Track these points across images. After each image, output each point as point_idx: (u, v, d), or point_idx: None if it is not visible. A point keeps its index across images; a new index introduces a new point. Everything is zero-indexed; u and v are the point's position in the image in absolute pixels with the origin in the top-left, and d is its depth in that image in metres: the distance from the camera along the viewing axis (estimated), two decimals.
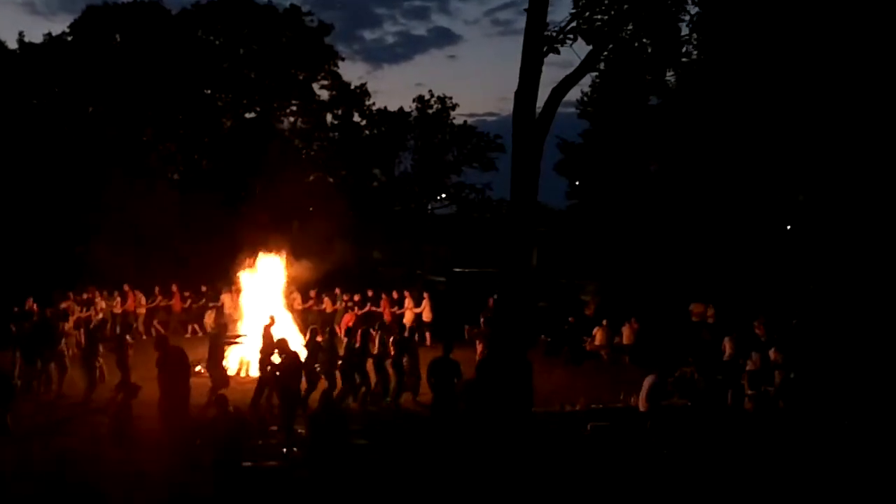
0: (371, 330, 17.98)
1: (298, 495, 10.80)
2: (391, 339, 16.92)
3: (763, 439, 14.05)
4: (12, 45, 36.13)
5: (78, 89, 35.15)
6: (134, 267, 26.72)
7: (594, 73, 15.27)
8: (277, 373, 14.30)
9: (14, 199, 30.81)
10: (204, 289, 25.77)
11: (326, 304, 25.40)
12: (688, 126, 30.07)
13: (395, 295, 25.74)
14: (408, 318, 24.55)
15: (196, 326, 25.17)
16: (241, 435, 11.30)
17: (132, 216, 29.76)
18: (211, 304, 24.98)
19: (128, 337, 17.91)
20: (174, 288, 25.49)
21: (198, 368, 16.78)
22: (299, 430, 12.85)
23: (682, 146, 30.40)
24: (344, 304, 25.38)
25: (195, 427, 12.17)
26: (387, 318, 24.43)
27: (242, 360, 19.54)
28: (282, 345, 14.48)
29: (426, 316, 24.74)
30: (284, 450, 12.49)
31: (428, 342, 23.77)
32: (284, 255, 22.57)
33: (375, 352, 16.92)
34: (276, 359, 14.80)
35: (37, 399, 15.96)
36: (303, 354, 15.43)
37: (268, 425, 13.85)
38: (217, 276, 26.30)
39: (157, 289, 25.32)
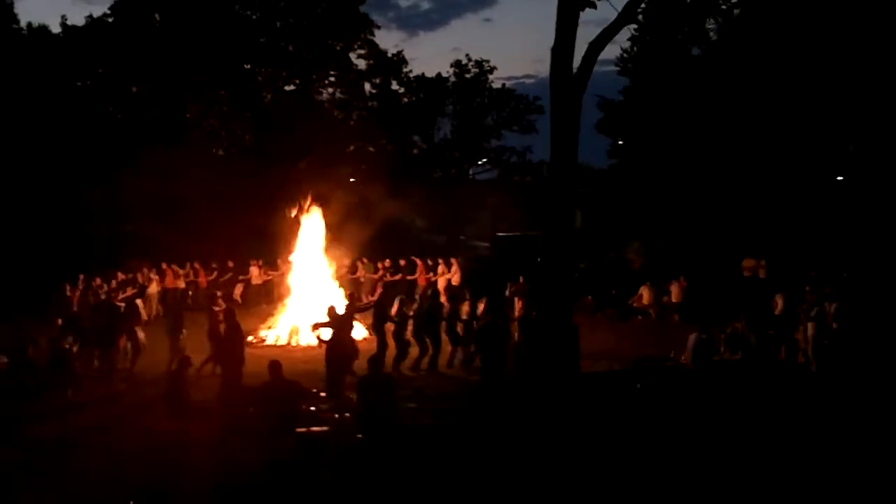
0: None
1: (350, 460, 10.89)
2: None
3: (817, 395, 13.88)
4: (55, 28, 36.71)
5: (120, 70, 35.54)
6: (180, 243, 27.16)
7: (633, 28, 14.98)
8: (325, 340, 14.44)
9: (60, 180, 31.32)
10: (231, 263, 26.20)
11: (360, 272, 25.70)
12: (732, 77, 29.49)
13: (429, 262, 25.96)
14: (441, 284, 24.75)
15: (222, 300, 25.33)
16: (294, 401, 11.43)
17: (177, 193, 30.21)
18: (240, 278, 25.60)
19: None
20: (197, 264, 25.97)
21: (250, 339, 17.03)
22: (349, 395, 12.97)
23: (727, 98, 29.82)
24: (379, 270, 25.76)
25: (248, 395, 12.30)
26: (421, 284, 24.97)
27: (293, 328, 19.77)
28: (330, 312, 14.58)
29: (455, 281, 24.88)
30: (336, 415, 12.61)
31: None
32: (327, 227, 22.67)
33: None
34: (327, 332, 14.91)
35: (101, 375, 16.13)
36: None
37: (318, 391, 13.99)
38: (260, 249, 26.69)
39: (187, 265, 25.76)
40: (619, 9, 14.32)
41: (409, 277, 25.78)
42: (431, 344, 16.47)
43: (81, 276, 21.53)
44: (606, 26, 14.44)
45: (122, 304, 18.16)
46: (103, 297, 18.50)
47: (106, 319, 16.58)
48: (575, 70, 14.31)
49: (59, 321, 16.79)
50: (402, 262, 26.16)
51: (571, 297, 15.83)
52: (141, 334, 16.73)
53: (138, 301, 17.71)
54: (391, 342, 16.27)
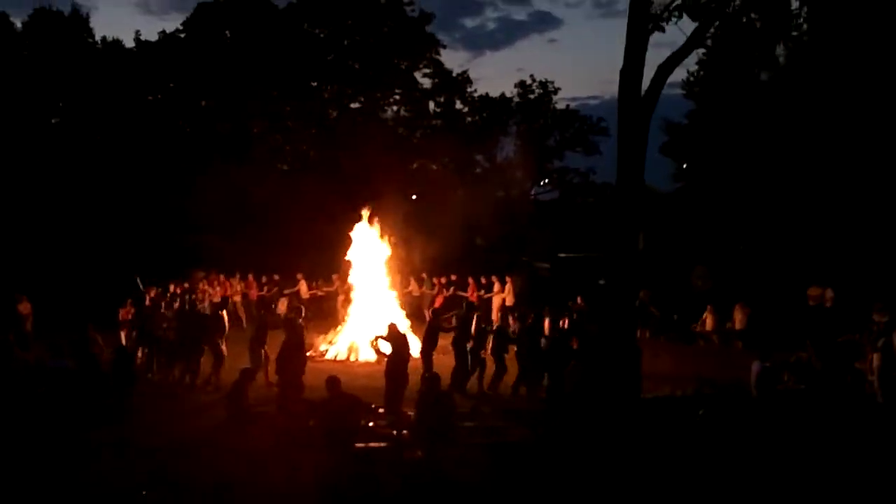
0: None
1: (409, 475, 10.94)
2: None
3: (882, 426, 13.53)
4: (129, 43, 37.71)
5: (191, 84, 36.36)
6: (245, 255, 27.57)
7: (701, 51, 14.91)
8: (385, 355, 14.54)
9: (129, 192, 32.08)
10: (276, 277, 26.40)
11: (413, 288, 25.94)
12: (800, 101, 29.01)
13: (482, 280, 25.99)
14: (496, 303, 24.73)
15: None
16: (353, 416, 11.54)
17: (242, 207, 30.72)
18: (286, 292, 25.72)
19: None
20: (250, 276, 26.18)
21: (309, 353, 17.20)
22: (408, 412, 13.02)
23: (795, 123, 29.32)
24: (434, 287, 25.93)
25: (309, 408, 12.44)
26: (473, 300, 24.91)
27: (352, 345, 19.93)
28: (390, 328, 14.67)
29: (509, 300, 24.80)
30: (394, 431, 12.68)
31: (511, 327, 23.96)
32: (389, 242, 22.80)
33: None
34: (385, 345, 15.03)
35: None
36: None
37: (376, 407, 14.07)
38: (324, 263, 26.93)
39: (237, 276, 26.03)
40: (688, 33, 14.25)
41: (459, 293, 25.84)
42: (497, 364, 16.44)
43: (152, 289, 21.95)
44: (676, 50, 14.39)
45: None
46: (187, 306, 18.71)
47: (192, 329, 16.77)
48: (643, 92, 14.26)
49: (132, 331, 17.18)
50: (454, 278, 26.20)
51: (635, 319, 15.68)
52: (223, 345, 16.88)
53: (223, 312, 17.76)
54: (471, 360, 16.28)
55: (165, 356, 16.95)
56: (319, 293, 26.25)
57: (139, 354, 17.19)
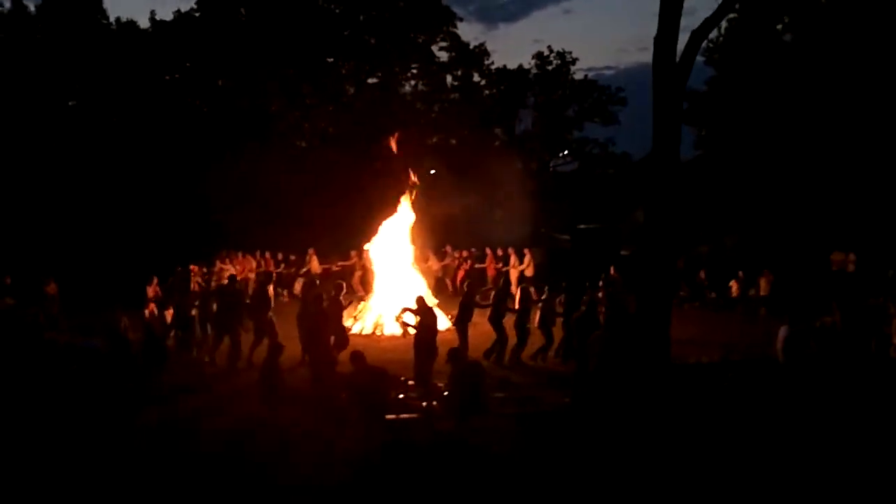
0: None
1: (440, 447, 11.05)
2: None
3: None
4: (144, 23, 37.71)
5: (207, 64, 36.37)
6: (265, 233, 27.71)
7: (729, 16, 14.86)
8: (414, 329, 14.63)
9: (148, 173, 32.26)
10: (293, 257, 26.42)
11: (432, 262, 26.02)
12: (823, 66, 28.75)
13: (499, 252, 26.26)
14: (513, 276, 24.85)
15: (285, 292, 25.50)
16: (383, 389, 11.64)
17: (262, 184, 30.84)
18: (301, 272, 25.64)
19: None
20: (268, 255, 26.22)
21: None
22: (438, 384, 13.12)
23: (817, 88, 29.07)
24: (456, 259, 26.20)
25: (339, 383, 12.57)
26: (490, 273, 25.35)
27: (378, 319, 20.05)
28: (419, 301, 14.76)
29: (528, 272, 24.89)
30: (424, 403, 12.79)
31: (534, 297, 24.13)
32: (410, 216, 22.81)
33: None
34: (410, 317, 15.17)
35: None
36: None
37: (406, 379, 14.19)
38: (344, 239, 27.05)
39: (257, 254, 26.06)
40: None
41: (478, 266, 26.11)
42: (520, 336, 16.57)
43: (178, 268, 22.17)
44: (709, 16, 14.33)
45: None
46: (226, 282, 18.69)
47: (230, 305, 16.58)
48: (677, 59, 14.23)
49: (163, 310, 17.28)
50: (474, 251, 26.43)
51: (672, 288, 15.70)
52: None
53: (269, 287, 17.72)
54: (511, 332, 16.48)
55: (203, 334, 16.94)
56: (334, 268, 26.12)
57: (171, 335, 17.21)
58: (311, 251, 26.50)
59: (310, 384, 13.64)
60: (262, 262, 25.89)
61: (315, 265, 26.18)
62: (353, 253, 26.13)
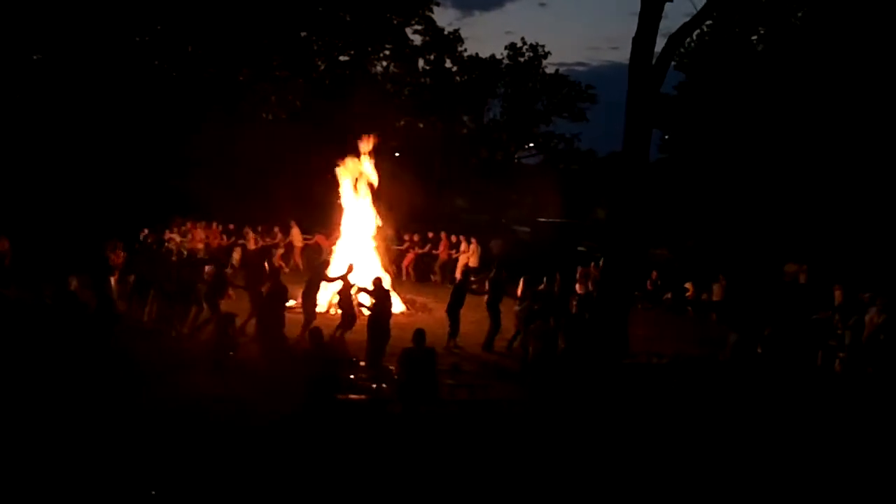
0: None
1: (387, 429, 11.08)
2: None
3: (847, 401, 13.84)
4: None
5: (179, 28, 35.82)
6: (225, 201, 27.47)
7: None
8: (368, 310, 14.64)
9: (116, 133, 31.75)
10: (231, 227, 26.37)
11: (390, 244, 25.92)
12: (788, 79, 29.16)
13: (453, 238, 26.54)
14: (461, 262, 25.26)
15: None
16: (335, 368, 11.64)
17: (226, 153, 30.51)
18: (239, 242, 25.61)
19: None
20: (214, 225, 26.08)
21: (290, 303, 17.22)
22: (389, 367, 13.15)
23: (781, 100, 29.48)
24: (406, 243, 26.32)
25: (291, 359, 12.55)
26: (443, 257, 26.21)
27: (332, 298, 19.95)
28: (375, 283, 14.77)
29: (473, 262, 25.15)
30: (374, 385, 12.81)
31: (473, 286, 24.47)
32: (371, 197, 22.72)
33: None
34: (365, 298, 15.20)
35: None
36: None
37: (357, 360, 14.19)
38: (304, 214, 26.94)
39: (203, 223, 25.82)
40: (698, 4, 14.37)
41: (433, 252, 26.37)
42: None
43: (146, 231, 21.96)
44: (688, 21, 14.50)
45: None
46: (185, 253, 18.57)
47: (190, 276, 16.47)
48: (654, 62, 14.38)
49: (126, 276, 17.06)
50: (431, 235, 26.66)
51: (632, 289, 15.91)
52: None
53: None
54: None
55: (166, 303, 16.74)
56: (269, 243, 25.85)
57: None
58: (246, 228, 26.30)
59: (259, 356, 13.59)
60: (209, 234, 25.54)
61: (251, 240, 25.84)
62: (276, 230, 26.28)
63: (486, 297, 17.18)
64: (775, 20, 15.22)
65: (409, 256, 26.24)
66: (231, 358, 12.85)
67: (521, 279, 17.50)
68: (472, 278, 19.02)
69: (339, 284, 16.55)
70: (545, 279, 17.41)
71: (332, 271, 19.51)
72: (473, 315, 17.80)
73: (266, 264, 17.26)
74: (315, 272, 16.91)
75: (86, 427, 10.21)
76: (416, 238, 26.63)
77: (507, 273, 18.18)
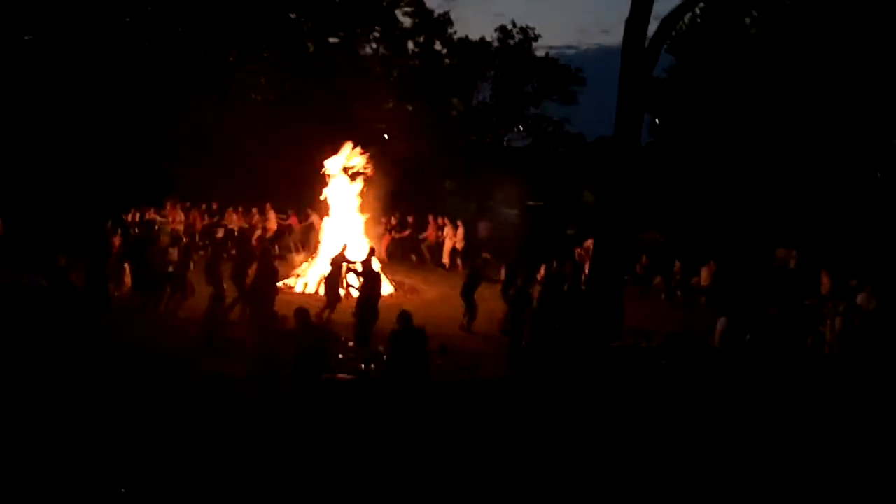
0: None
1: (373, 409, 11.04)
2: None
3: (839, 388, 13.87)
4: None
5: (168, 9, 35.48)
6: (212, 183, 27.37)
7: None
8: (357, 290, 14.59)
9: (106, 114, 31.49)
10: (215, 206, 26.42)
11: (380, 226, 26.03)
12: (780, 63, 29.13)
13: (440, 221, 26.58)
14: (447, 246, 25.39)
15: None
16: (323, 348, 11.58)
17: (214, 134, 30.36)
18: (222, 223, 25.84)
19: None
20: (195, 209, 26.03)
21: (280, 284, 17.18)
22: (378, 348, 13.10)
23: (773, 84, 29.46)
24: (383, 227, 26.12)
25: (280, 337, 12.46)
26: (431, 239, 26.38)
27: (322, 277, 19.89)
28: (364, 264, 14.71)
29: (459, 245, 25.19)
30: (362, 365, 12.75)
31: (460, 269, 24.53)
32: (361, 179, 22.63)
33: None
34: (354, 278, 15.15)
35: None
36: None
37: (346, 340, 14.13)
38: (294, 195, 26.83)
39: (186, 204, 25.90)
40: None
41: (420, 236, 26.34)
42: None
43: (133, 210, 21.86)
44: (681, 3, 14.42)
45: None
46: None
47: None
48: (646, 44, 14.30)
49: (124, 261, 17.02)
50: (411, 219, 26.66)
51: (624, 270, 15.90)
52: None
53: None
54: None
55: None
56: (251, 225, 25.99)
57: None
58: (230, 209, 26.38)
59: (247, 335, 13.52)
60: (191, 216, 25.57)
61: (234, 221, 25.99)
62: (254, 210, 26.24)
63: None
64: (767, 3, 15.07)
65: (387, 239, 26.07)
66: (220, 337, 12.78)
67: (542, 266, 17.50)
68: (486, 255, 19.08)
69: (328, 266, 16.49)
70: (543, 265, 17.43)
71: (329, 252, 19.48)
72: (460, 298, 17.71)
73: (254, 244, 17.21)
74: (337, 256, 16.54)
75: (72, 408, 10.15)
76: (393, 222, 26.50)
77: (494, 255, 18.20)
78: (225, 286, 15.40)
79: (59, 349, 11.97)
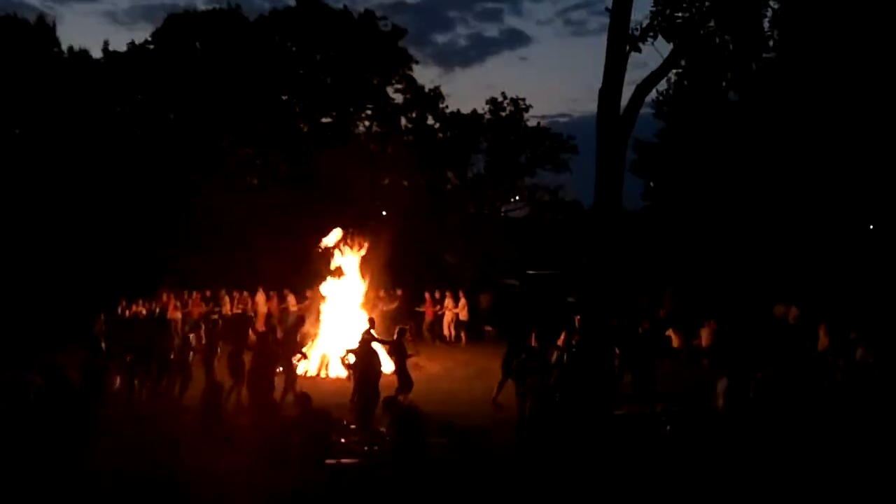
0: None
1: (381, 492, 10.93)
2: None
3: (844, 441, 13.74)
4: (97, 53, 37.41)
5: (160, 96, 36.11)
6: (213, 270, 27.39)
7: (672, 72, 15.19)
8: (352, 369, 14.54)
9: (98, 204, 31.75)
10: (208, 293, 26.04)
11: (383, 303, 25.53)
12: (767, 123, 29.50)
13: (437, 294, 26.57)
14: (447, 319, 25.09)
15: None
16: (326, 432, 11.53)
17: (211, 220, 30.54)
18: (215, 309, 25.14)
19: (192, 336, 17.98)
20: (195, 294, 25.74)
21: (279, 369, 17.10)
22: (380, 429, 13.02)
23: (761, 144, 29.79)
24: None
25: (281, 424, 12.41)
26: (429, 316, 25.63)
27: (323, 357, 19.88)
28: (361, 342, 14.69)
29: (463, 315, 25.11)
30: (365, 448, 12.66)
31: (464, 342, 24.30)
32: (360, 257, 22.70)
33: None
34: (352, 357, 15.10)
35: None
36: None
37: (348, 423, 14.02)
38: (293, 277, 26.83)
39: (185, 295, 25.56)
40: (664, 54, 14.53)
41: (417, 310, 26.30)
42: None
43: (123, 301, 21.85)
44: (653, 71, 14.65)
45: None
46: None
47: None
48: (621, 112, 14.48)
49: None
50: (399, 293, 26.08)
51: (611, 336, 15.80)
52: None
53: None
54: None
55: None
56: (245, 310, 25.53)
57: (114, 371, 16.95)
58: (223, 292, 26.07)
59: (251, 425, 13.42)
60: (189, 302, 25.26)
61: (227, 305, 25.61)
62: (245, 294, 25.95)
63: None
64: (739, 68, 15.31)
65: (377, 312, 25.64)
66: (219, 428, 12.69)
67: (533, 333, 17.32)
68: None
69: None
70: (534, 334, 17.34)
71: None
72: (464, 371, 17.70)
73: (249, 330, 17.20)
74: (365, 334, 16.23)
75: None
76: (382, 294, 26.13)
77: (496, 326, 18.13)
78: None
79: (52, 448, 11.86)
